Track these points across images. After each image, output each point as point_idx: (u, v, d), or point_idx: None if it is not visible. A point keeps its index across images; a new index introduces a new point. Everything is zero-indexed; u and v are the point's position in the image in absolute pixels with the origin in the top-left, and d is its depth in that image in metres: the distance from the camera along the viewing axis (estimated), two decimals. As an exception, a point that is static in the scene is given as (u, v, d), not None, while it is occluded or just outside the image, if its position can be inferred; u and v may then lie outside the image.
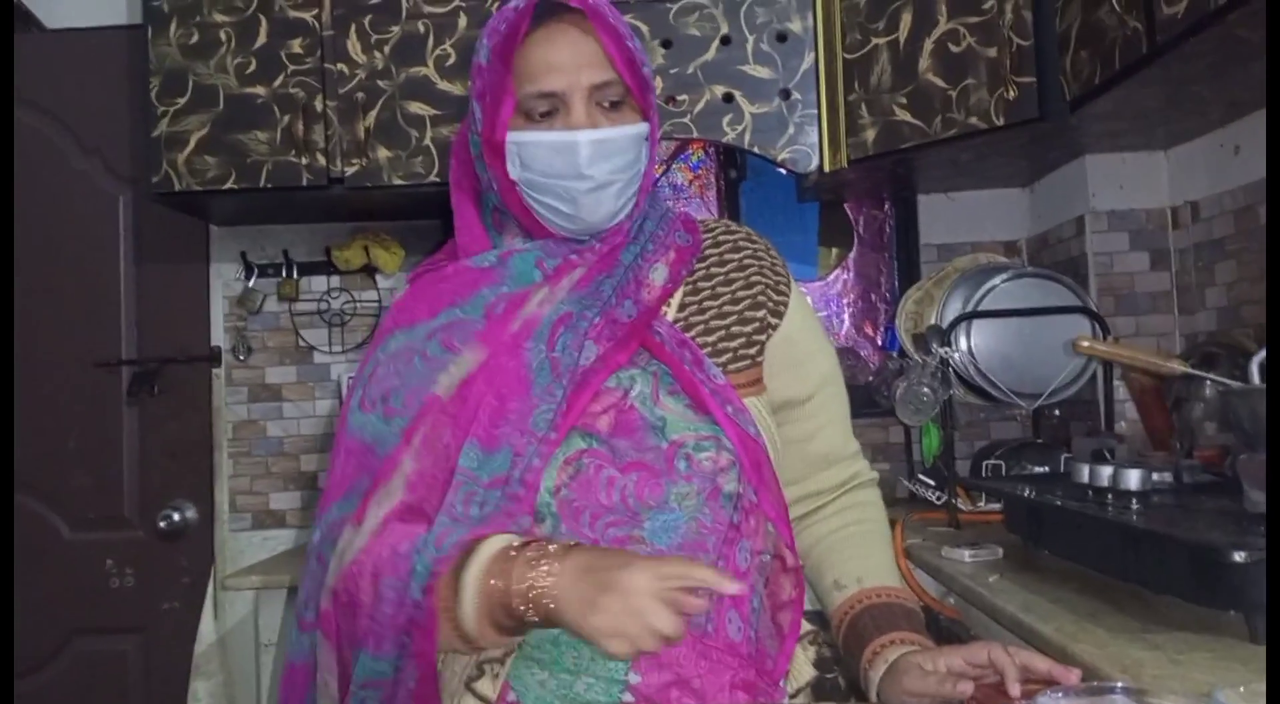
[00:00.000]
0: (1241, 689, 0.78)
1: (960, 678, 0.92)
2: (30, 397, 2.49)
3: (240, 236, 2.59)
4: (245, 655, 2.32)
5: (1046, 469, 1.89)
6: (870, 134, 2.11)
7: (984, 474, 2.04)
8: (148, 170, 2.22)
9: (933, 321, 2.15)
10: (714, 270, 1.11)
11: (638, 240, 1.07)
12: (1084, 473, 1.38)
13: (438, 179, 2.19)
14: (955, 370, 2.06)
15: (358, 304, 2.60)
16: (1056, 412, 2.28)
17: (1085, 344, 1.34)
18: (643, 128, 1.03)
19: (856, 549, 1.10)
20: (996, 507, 1.87)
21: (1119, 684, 0.82)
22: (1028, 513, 1.49)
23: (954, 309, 2.13)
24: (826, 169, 2.19)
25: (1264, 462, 1.13)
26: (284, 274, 2.58)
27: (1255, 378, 1.26)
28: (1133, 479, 1.28)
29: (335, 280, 2.61)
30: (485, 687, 1.01)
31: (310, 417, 2.59)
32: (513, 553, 0.88)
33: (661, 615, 0.81)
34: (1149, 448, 1.86)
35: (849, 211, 2.77)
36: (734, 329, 1.08)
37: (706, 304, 1.09)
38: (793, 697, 1.04)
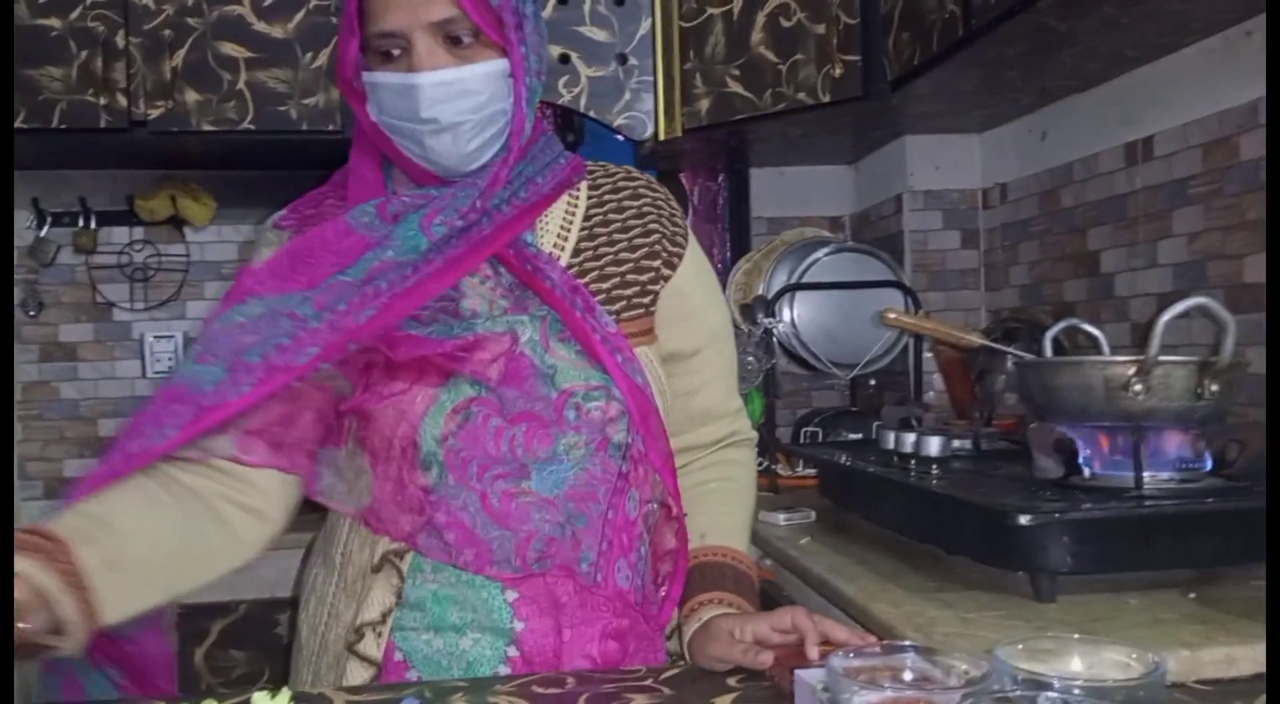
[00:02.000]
0: (1020, 646, 0.82)
1: (763, 647, 0.94)
2: None
3: (31, 181, 2.38)
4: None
5: (860, 436, 1.96)
6: (704, 104, 2.12)
7: (802, 441, 2.10)
8: (-81, 103, 2.00)
9: (759, 292, 2.19)
10: (611, 216, 1.08)
11: (511, 185, 1.03)
12: (890, 440, 1.43)
13: (252, 126, 2.06)
14: (779, 340, 2.11)
15: (163, 258, 2.44)
16: (872, 382, 2.37)
17: (892, 316, 1.40)
18: (498, 65, 0.98)
19: (711, 505, 1.11)
20: (813, 472, 1.93)
21: (908, 644, 0.85)
22: (839, 478, 1.54)
23: (779, 281, 2.18)
24: (661, 137, 2.18)
25: (1052, 429, 1.20)
26: (81, 224, 2.39)
27: (1048, 351, 1.34)
28: (933, 445, 1.34)
29: (139, 232, 2.43)
30: (369, 648, 0.99)
31: (110, 378, 2.41)
32: None
33: None
34: (953, 417, 1.95)
35: (684, 182, 2.79)
36: (629, 277, 1.06)
37: (602, 250, 1.06)
38: (669, 637, 1.05)
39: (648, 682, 0.96)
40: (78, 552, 0.86)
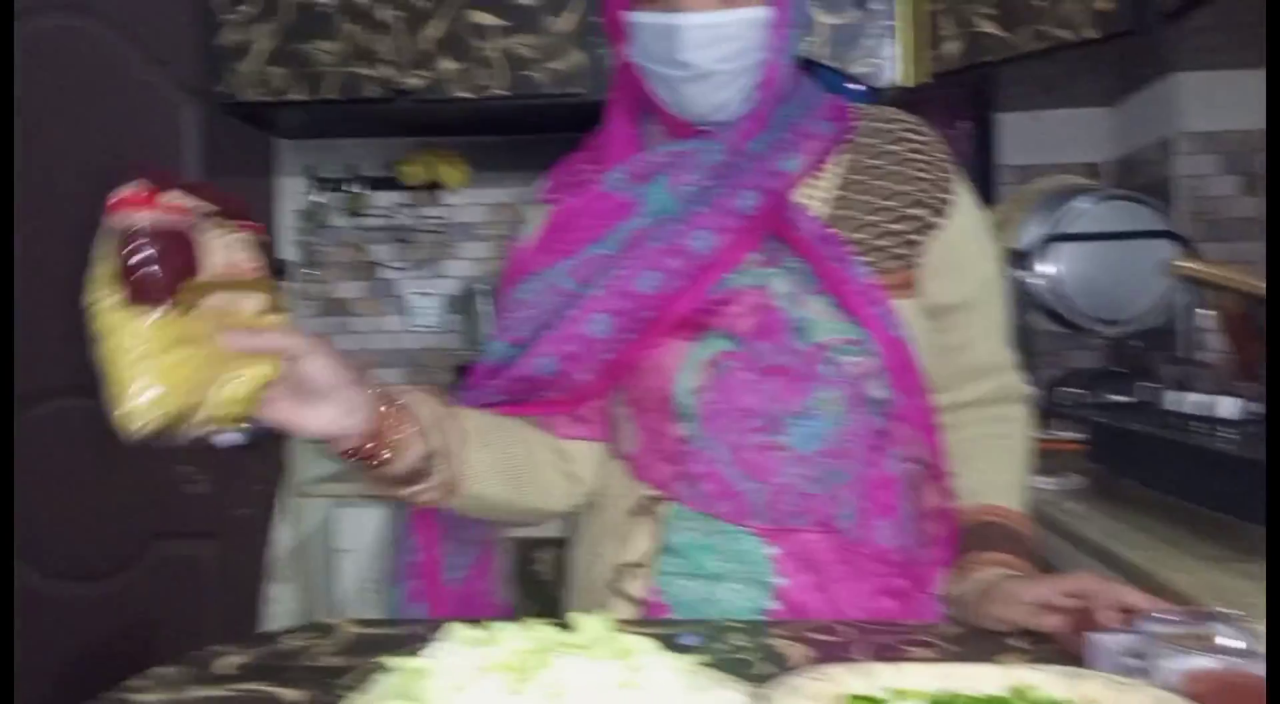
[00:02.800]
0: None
1: (1049, 610, 0.90)
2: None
3: (305, 150, 2.59)
4: (319, 562, 2.38)
5: (1127, 399, 1.84)
6: (953, 47, 2.03)
7: (1062, 402, 1.99)
8: (211, 80, 2.21)
9: (1010, 245, 2.08)
10: (870, 162, 1.03)
11: (771, 129, 1.02)
12: (1175, 400, 1.34)
13: (504, 92, 2.15)
14: (1032, 295, 2.00)
15: (422, 220, 2.59)
16: (1136, 341, 2.21)
17: (1184, 265, 1.29)
18: (761, 13, 0.97)
19: (983, 463, 1.07)
20: (1070, 435, 1.83)
21: (1218, 609, 0.80)
22: (1114, 441, 1.45)
23: (1033, 233, 2.07)
24: (906, 84, 2.11)
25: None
26: (350, 189, 2.57)
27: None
28: (1226, 407, 1.24)
29: (401, 196, 2.59)
30: (632, 587, 1.03)
31: (378, 332, 2.61)
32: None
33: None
34: (1232, 377, 1.80)
35: (923, 131, 2.68)
36: (888, 227, 1.01)
37: (860, 199, 1.02)
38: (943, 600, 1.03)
39: (924, 637, 0.95)
40: (462, 416, 0.96)
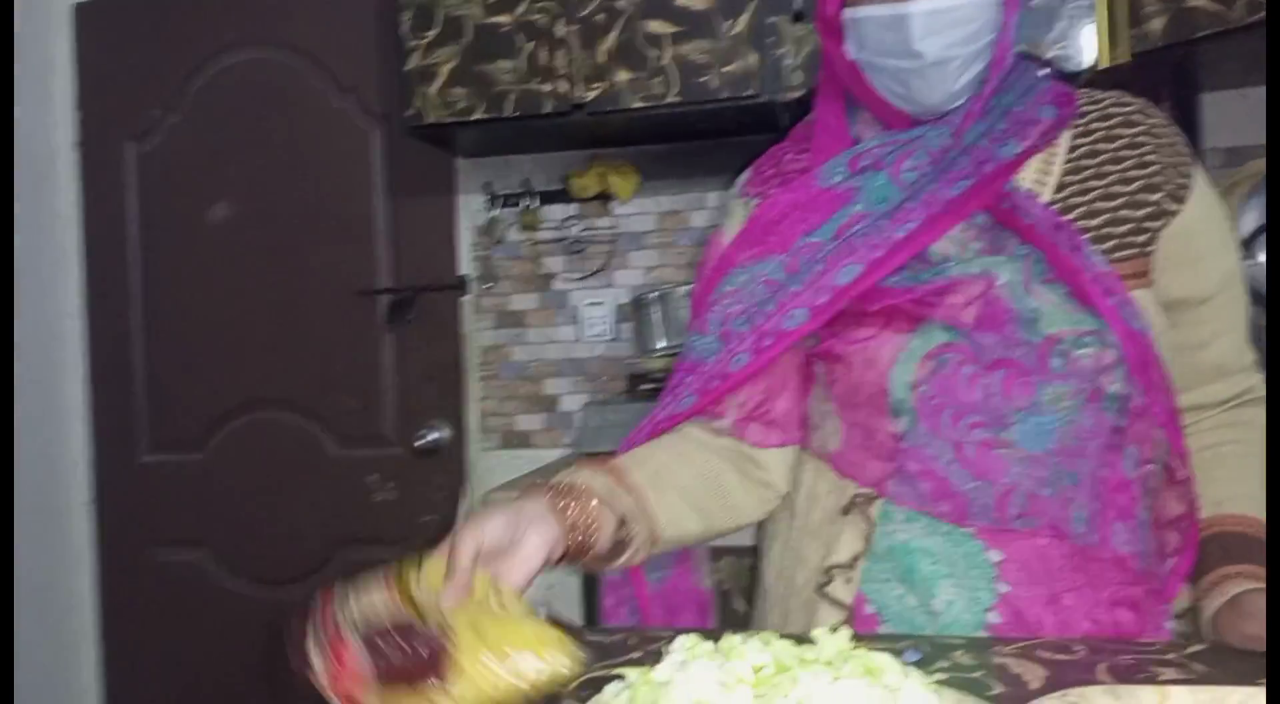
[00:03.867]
0: None
1: None
2: (299, 324, 2.67)
3: (483, 167, 2.66)
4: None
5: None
6: (1157, 24, 1.90)
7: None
8: (400, 105, 2.29)
9: (1225, 234, 1.93)
10: (1100, 147, 1.00)
11: (987, 117, 0.98)
12: None
13: (677, 98, 2.15)
14: (1255, 285, 1.84)
15: (594, 232, 2.62)
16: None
17: None
18: None
19: (1227, 472, 1.00)
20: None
21: None
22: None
23: (1252, 220, 1.91)
24: (1104, 65, 1.98)
25: None
26: (525, 204, 2.63)
27: None
28: None
29: (573, 209, 2.63)
30: (839, 591, 1.00)
31: (551, 342, 2.65)
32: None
33: None
34: None
35: (1116, 117, 2.53)
36: (1121, 214, 0.97)
37: (1090, 184, 0.99)
38: (1178, 617, 0.97)
39: (1171, 656, 0.87)
40: (631, 471, 0.96)
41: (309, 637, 0.72)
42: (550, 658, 0.69)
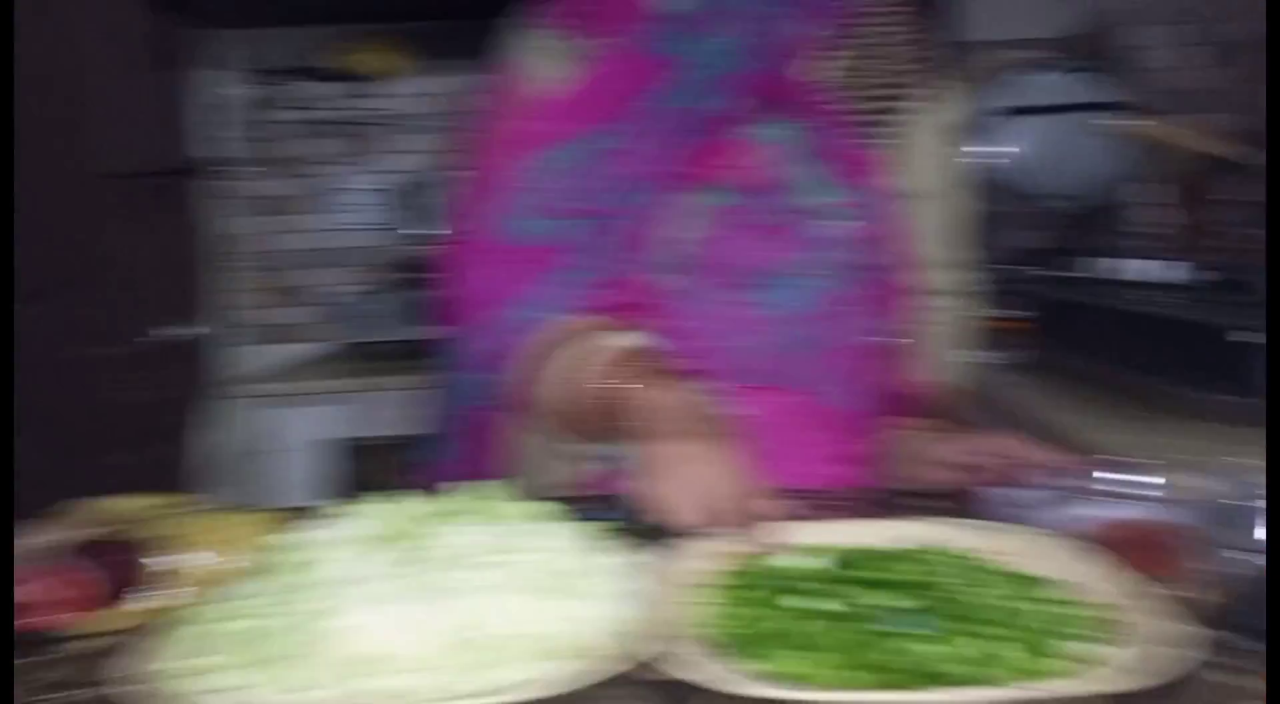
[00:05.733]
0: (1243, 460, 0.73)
1: (967, 468, 0.92)
2: (31, 210, 2.44)
3: (245, 41, 2.46)
4: (251, 465, 2.34)
5: (1073, 274, 1.81)
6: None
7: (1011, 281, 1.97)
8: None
9: (971, 122, 2.03)
10: (871, 42, 1.05)
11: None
12: (1106, 268, 1.31)
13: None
14: (992, 171, 1.96)
15: (363, 111, 2.50)
16: (1093, 219, 2.18)
17: (1145, 128, 1.24)
18: None
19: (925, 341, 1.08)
20: (1018, 313, 1.81)
21: (1128, 459, 0.79)
22: (1048, 312, 1.44)
23: (995, 107, 2.01)
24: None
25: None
26: (290, 81, 2.46)
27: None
28: (1152, 270, 1.22)
29: (338, 88, 2.49)
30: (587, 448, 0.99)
31: (319, 230, 2.53)
32: (632, 357, 0.88)
33: (699, 513, 0.76)
34: (1183, 244, 1.77)
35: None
36: (881, 103, 1.03)
37: (855, 73, 1.04)
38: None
39: (849, 501, 0.94)
40: None
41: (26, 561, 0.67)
42: (228, 553, 0.68)
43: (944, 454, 0.96)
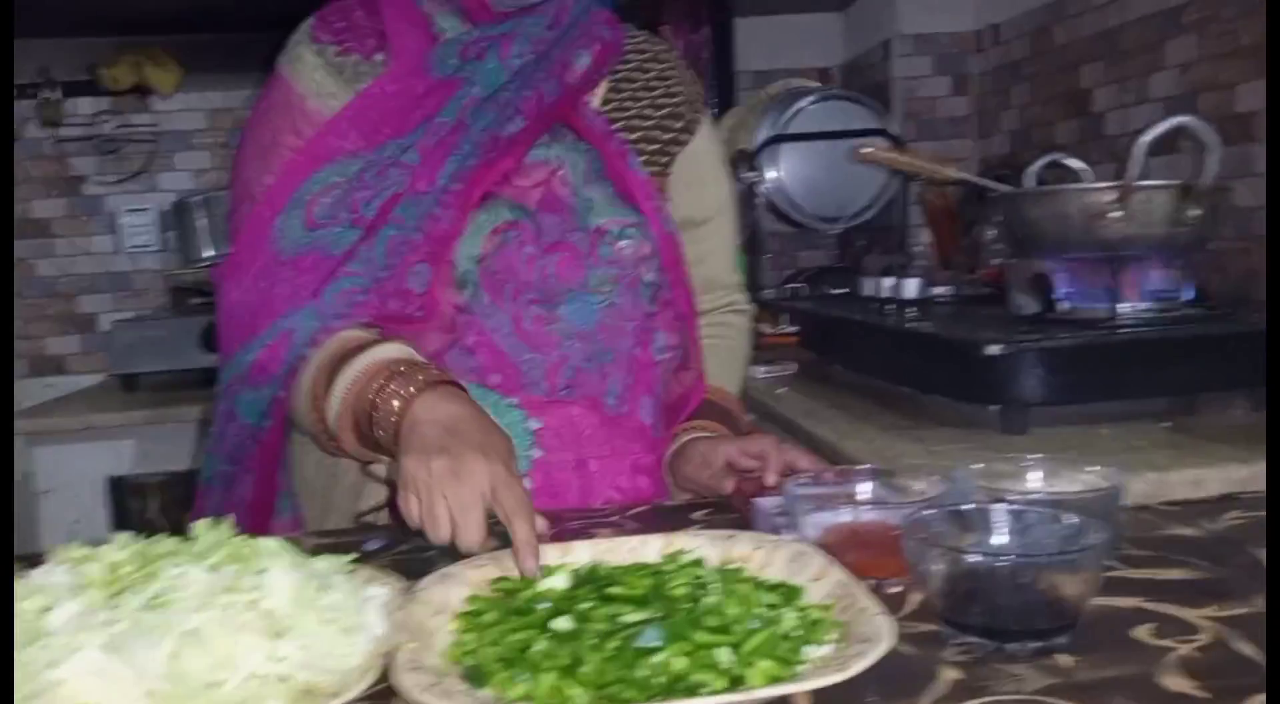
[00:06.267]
0: (980, 467, 0.81)
1: (729, 472, 0.96)
2: None
3: (21, 54, 2.28)
4: (22, 503, 2.18)
5: (842, 291, 1.93)
6: (679, -56, 2.02)
7: (787, 298, 2.07)
8: None
9: (743, 147, 2.13)
10: (635, 74, 1.08)
11: (560, 25, 1.02)
12: (869, 286, 1.40)
13: (210, -17, 1.97)
14: (764, 196, 2.06)
15: (131, 129, 2.37)
16: (861, 241, 2.32)
17: (867, 151, 1.34)
18: None
19: (714, 361, 1.12)
20: (791, 329, 1.90)
21: (867, 467, 0.85)
22: (817, 327, 1.52)
23: (764, 135, 2.11)
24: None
25: (1030, 264, 1.17)
26: (45, 95, 2.30)
27: (1031, 183, 1.29)
28: (911, 288, 1.32)
29: (104, 102, 2.35)
30: (381, 469, 0.98)
31: (86, 254, 2.38)
32: (399, 370, 0.85)
33: (471, 529, 0.74)
34: (940, 267, 1.92)
35: (667, 35, 2.68)
36: (653, 134, 1.07)
37: (627, 104, 1.07)
38: None
39: (614, 518, 0.96)
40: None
41: None
42: None
43: (706, 452, 0.99)
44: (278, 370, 0.93)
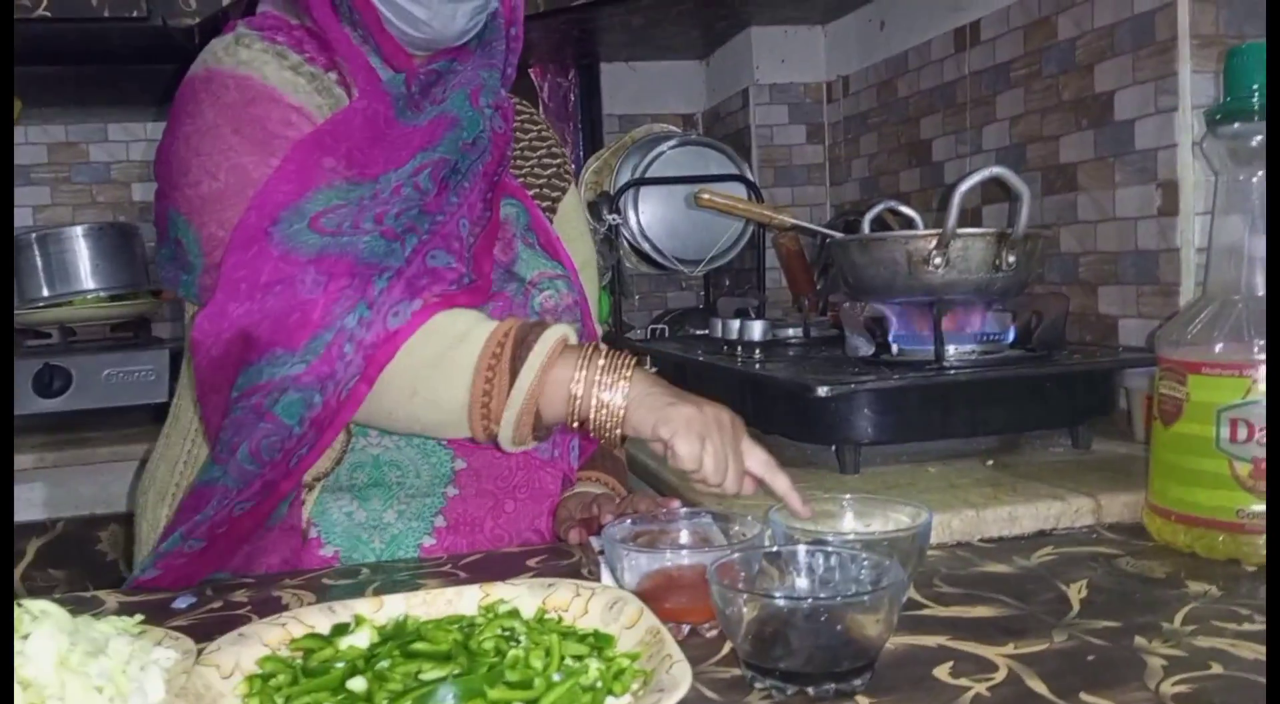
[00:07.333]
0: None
1: (575, 523, 0.99)
2: None
3: None
4: None
5: (702, 332, 1.96)
6: (539, -11, 2.03)
7: (650, 339, 2.09)
8: None
9: (606, 190, 2.15)
10: (519, 135, 1.13)
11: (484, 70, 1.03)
12: (720, 328, 1.42)
13: (47, 14, 1.88)
14: (627, 239, 2.07)
15: (-35, 162, 2.24)
16: (726, 282, 2.37)
17: (705, 196, 1.37)
18: None
19: None
20: (655, 370, 1.92)
21: (690, 509, 0.85)
22: (671, 369, 1.53)
23: (625, 178, 2.14)
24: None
25: (863, 308, 1.21)
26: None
27: (865, 229, 1.34)
28: (756, 331, 1.34)
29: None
30: (292, 514, 0.97)
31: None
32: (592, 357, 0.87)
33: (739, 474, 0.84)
34: (794, 309, 1.96)
35: (534, 78, 2.70)
36: (543, 191, 1.15)
37: (519, 162, 1.13)
38: None
39: (446, 567, 0.94)
40: None
41: None
42: None
43: (569, 507, 1.02)
44: (333, 370, 0.87)
